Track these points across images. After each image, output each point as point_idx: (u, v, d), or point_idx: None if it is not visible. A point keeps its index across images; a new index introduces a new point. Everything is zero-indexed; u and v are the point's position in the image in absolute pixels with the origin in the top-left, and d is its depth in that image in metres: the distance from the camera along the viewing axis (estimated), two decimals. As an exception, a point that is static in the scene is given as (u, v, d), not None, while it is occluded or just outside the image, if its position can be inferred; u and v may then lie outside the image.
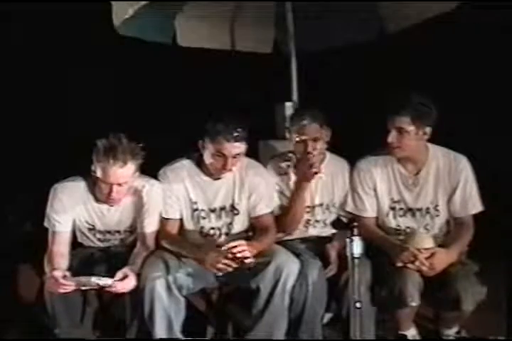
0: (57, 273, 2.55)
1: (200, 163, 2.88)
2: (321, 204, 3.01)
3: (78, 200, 2.79)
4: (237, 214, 2.91)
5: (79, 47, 4.83)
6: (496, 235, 3.18)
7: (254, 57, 4.31)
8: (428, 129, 2.79)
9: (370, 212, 2.94)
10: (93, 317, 2.76)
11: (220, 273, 2.65)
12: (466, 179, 2.86)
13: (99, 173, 2.66)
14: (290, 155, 3.02)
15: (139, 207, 2.83)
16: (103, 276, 2.58)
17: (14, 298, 3.10)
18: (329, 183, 3.00)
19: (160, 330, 2.68)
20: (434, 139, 2.86)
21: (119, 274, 2.60)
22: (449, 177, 2.87)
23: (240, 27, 4.24)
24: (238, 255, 2.59)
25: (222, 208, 2.90)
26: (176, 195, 2.86)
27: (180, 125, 4.35)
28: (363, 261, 2.47)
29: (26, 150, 4.60)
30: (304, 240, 3.01)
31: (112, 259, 2.81)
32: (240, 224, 2.93)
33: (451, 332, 2.93)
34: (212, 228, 2.91)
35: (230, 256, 2.59)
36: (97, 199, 2.79)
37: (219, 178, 2.86)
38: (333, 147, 3.04)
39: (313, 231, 3.03)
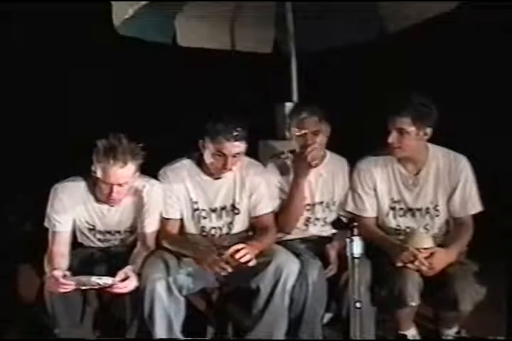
0: (58, 273, 2.55)
1: (200, 163, 2.88)
2: (321, 203, 3.01)
3: (78, 200, 2.79)
4: (238, 213, 2.91)
5: (79, 47, 4.83)
6: (495, 235, 3.18)
7: (254, 57, 4.31)
8: (428, 130, 2.79)
9: (370, 211, 2.94)
10: (93, 317, 2.76)
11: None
12: (465, 179, 2.86)
13: (99, 173, 2.66)
14: (290, 154, 3.02)
15: (139, 207, 2.83)
16: (103, 276, 2.58)
17: (14, 298, 3.10)
18: (329, 181, 3.00)
19: (160, 330, 2.68)
20: (434, 139, 2.86)
21: (121, 274, 2.60)
22: (449, 177, 2.87)
23: (240, 27, 4.24)
24: (242, 260, 2.59)
25: (223, 208, 2.90)
26: (176, 195, 2.86)
27: (180, 125, 4.35)
28: (363, 261, 2.47)
29: (26, 150, 4.59)
30: (303, 240, 3.01)
31: (112, 259, 2.81)
32: (240, 224, 2.93)
33: (451, 332, 2.94)
34: (213, 228, 2.91)
35: (231, 261, 2.59)
36: (98, 200, 2.79)
37: (219, 178, 2.86)
38: (333, 147, 3.04)
39: (313, 230, 3.03)
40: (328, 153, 3.03)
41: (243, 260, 2.60)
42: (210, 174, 2.87)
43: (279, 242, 2.92)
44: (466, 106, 4.35)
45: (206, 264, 2.64)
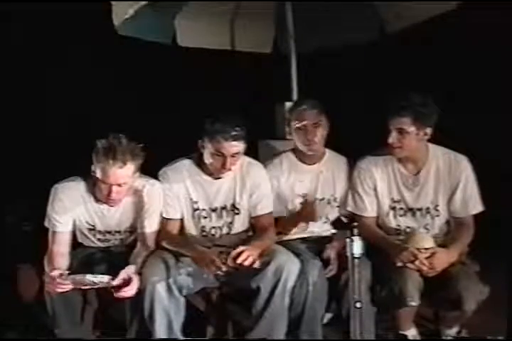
0: (54, 273, 2.54)
1: (200, 163, 2.88)
2: (322, 199, 3.01)
3: (78, 200, 2.79)
4: (238, 213, 2.91)
5: (79, 47, 4.84)
6: (496, 235, 3.18)
7: (254, 57, 4.31)
8: (428, 130, 2.79)
9: (370, 211, 2.94)
10: (93, 317, 2.77)
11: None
12: (466, 179, 2.86)
13: (98, 174, 2.66)
14: (289, 153, 3.02)
15: (139, 207, 2.83)
16: (99, 274, 2.57)
17: (14, 298, 3.10)
18: (330, 178, 3.00)
19: (160, 330, 2.68)
20: (434, 139, 2.86)
21: (123, 275, 2.59)
22: (449, 177, 2.87)
23: (240, 27, 4.24)
24: (245, 263, 2.59)
25: (223, 207, 2.90)
26: (176, 195, 2.86)
27: (180, 125, 4.35)
28: (363, 261, 2.46)
29: (26, 150, 4.60)
30: (304, 240, 3.01)
31: (112, 259, 2.81)
32: (240, 224, 2.93)
33: (452, 332, 2.93)
34: (213, 227, 2.91)
35: (234, 265, 2.59)
36: (98, 200, 2.79)
37: (220, 178, 2.86)
38: (334, 147, 3.04)
39: (313, 227, 3.03)
40: (328, 151, 3.03)
41: (246, 263, 2.59)
42: (210, 174, 2.87)
43: (279, 242, 2.92)
44: (466, 106, 4.36)
45: (203, 264, 2.63)
